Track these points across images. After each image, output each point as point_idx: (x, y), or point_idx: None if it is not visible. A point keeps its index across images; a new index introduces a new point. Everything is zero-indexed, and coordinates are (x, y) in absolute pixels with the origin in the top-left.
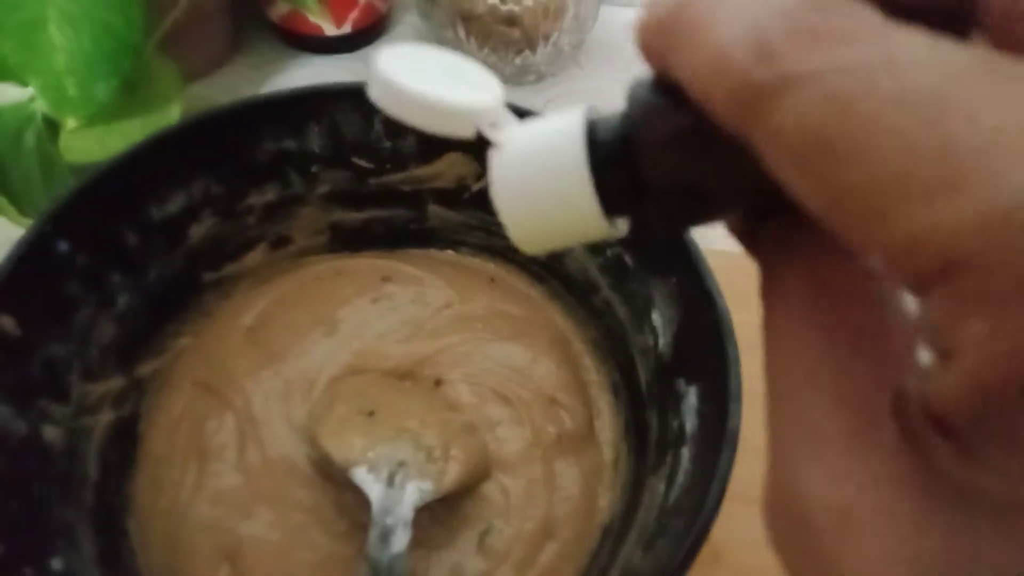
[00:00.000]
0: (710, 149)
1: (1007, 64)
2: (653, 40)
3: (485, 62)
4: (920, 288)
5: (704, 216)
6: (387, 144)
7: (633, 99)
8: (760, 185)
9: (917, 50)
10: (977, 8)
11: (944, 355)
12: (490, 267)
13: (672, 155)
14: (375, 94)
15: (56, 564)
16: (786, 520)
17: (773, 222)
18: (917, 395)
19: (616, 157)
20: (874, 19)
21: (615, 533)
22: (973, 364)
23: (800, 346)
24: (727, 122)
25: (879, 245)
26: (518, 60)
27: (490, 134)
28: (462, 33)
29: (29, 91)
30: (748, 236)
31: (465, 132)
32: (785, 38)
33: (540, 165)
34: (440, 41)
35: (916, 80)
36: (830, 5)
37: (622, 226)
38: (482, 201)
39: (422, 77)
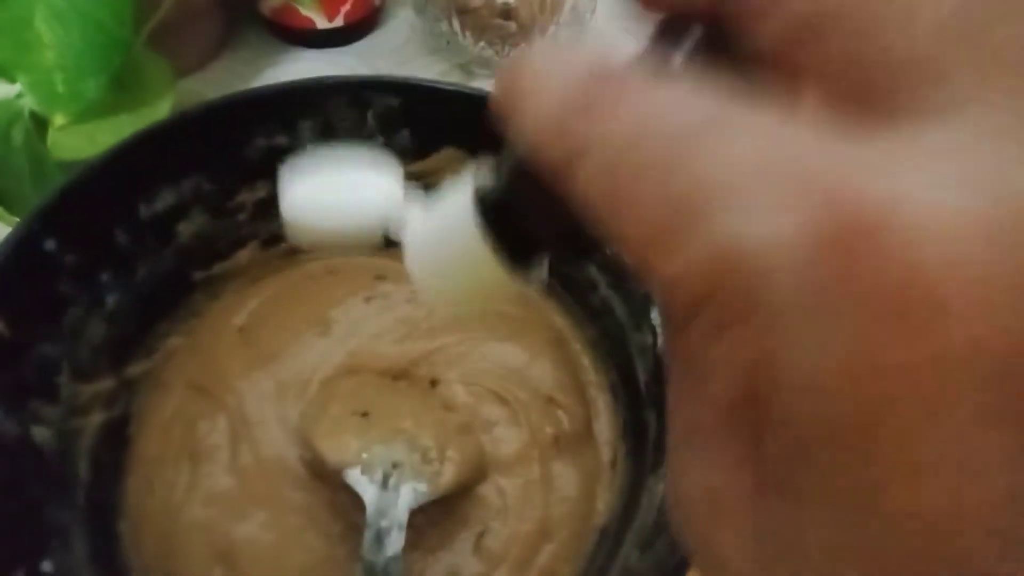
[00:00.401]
0: (555, 201)
1: (740, 113)
2: (496, 113)
3: (480, 56)
4: (684, 321)
5: (590, 251)
6: (381, 139)
7: (500, 163)
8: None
9: (666, 110)
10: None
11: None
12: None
13: (533, 209)
14: (288, 230)
15: (48, 566)
16: (678, 509)
17: None
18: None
19: (502, 216)
20: (636, 84)
21: (613, 534)
22: (723, 384)
23: (678, 357)
24: (552, 183)
25: (653, 286)
26: (514, 54)
27: (397, 233)
28: (457, 26)
29: (17, 88)
30: None
31: (374, 240)
32: (571, 115)
33: (446, 248)
34: (435, 34)
35: (657, 145)
36: (603, 76)
37: (539, 274)
38: None
39: (326, 205)
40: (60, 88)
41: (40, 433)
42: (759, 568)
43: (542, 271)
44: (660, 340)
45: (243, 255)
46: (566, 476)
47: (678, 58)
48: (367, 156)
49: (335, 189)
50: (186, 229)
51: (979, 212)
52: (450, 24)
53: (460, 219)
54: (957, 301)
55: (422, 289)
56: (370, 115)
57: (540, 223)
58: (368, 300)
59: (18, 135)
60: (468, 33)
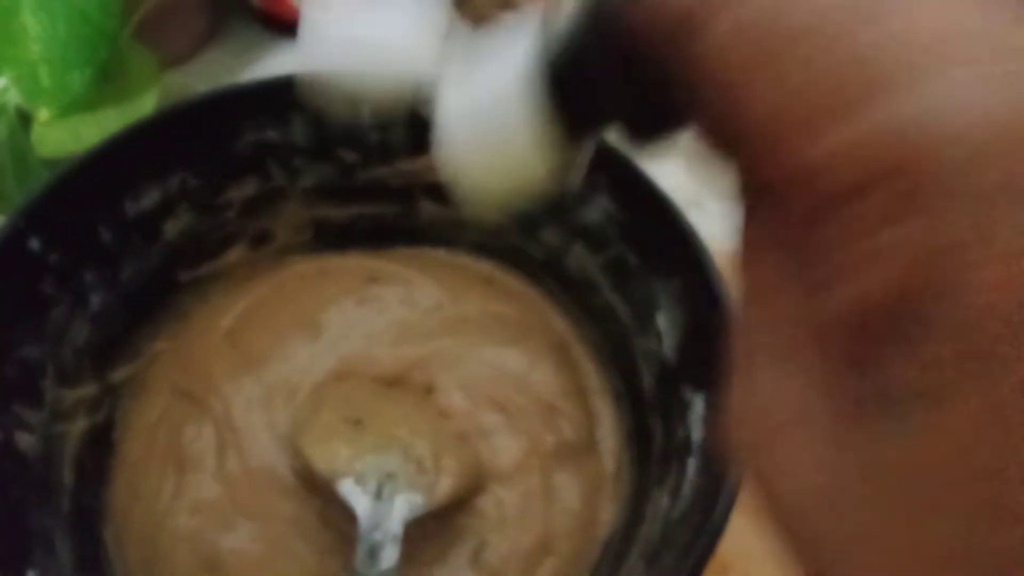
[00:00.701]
0: (644, 73)
1: None
2: None
3: None
4: (823, 212)
5: (663, 133)
6: (375, 135)
7: (574, 17)
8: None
9: None
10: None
11: (849, 271)
12: (484, 266)
13: (609, 73)
14: (312, 58)
15: (32, 574)
16: (744, 427)
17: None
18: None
19: (566, 82)
20: None
21: (617, 547)
22: (869, 285)
23: (761, 269)
24: (664, 40)
25: (774, 171)
26: None
27: (428, 97)
28: (455, 16)
29: (1, 82)
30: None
31: (400, 98)
32: None
33: (489, 116)
34: None
35: (826, 10)
36: None
37: (584, 162)
38: None
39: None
40: (45, 81)
41: (23, 439)
42: (829, 491)
43: (582, 168)
44: (666, 345)
45: (231, 255)
46: (568, 487)
47: None
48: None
49: (365, 24)
50: (172, 227)
51: None
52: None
53: (511, 77)
54: None
55: (450, 161)
56: (364, 110)
57: (612, 96)
58: (361, 302)
59: (2, 131)
60: (465, 23)
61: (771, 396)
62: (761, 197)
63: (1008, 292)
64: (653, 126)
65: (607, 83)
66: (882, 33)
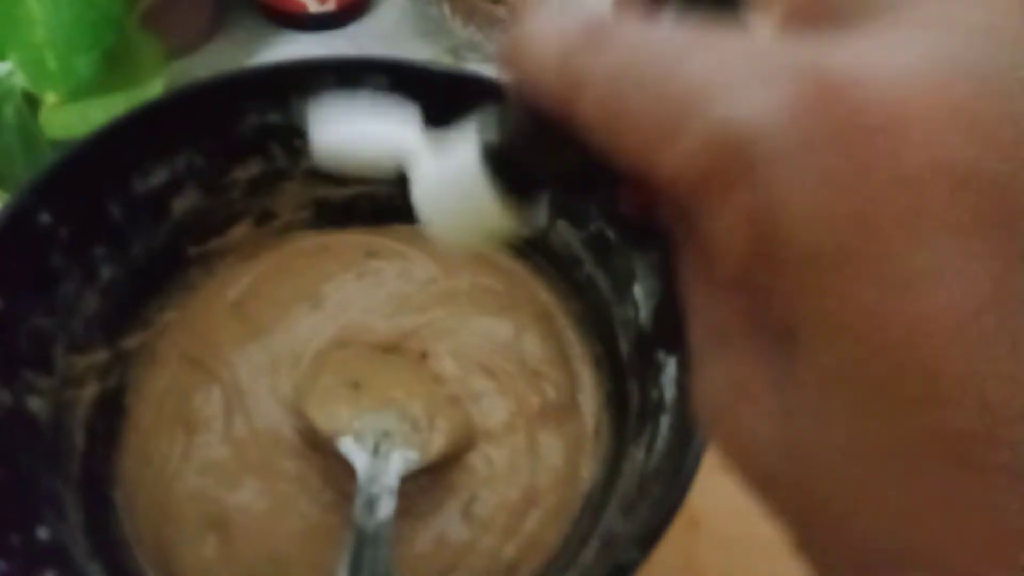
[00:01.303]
0: (555, 140)
1: (719, 33)
2: (503, 60)
3: (470, 40)
4: (693, 210)
5: (587, 188)
6: None
7: (502, 111)
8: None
9: (656, 38)
10: None
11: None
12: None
13: (534, 150)
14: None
15: (43, 533)
16: (704, 405)
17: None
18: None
19: (505, 161)
20: (627, 23)
21: (597, 500)
22: (735, 248)
23: (688, 275)
24: (554, 119)
25: (662, 193)
26: (503, 38)
27: (408, 171)
28: (447, 10)
29: (8, 65)
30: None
31: (389, 171)
32: (571, 53)
33: (451, 189)
34: (425, 18)
35: (650, 63)
36: (597, 20)
37: (539, 215)
38: None
39: (348, 135)
40: (52, 65)
41: (35, 403)
42: (784, 442)
43: (542, 213)
44: (642, 313)
45: (237, 231)
46: (551, 445)
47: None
48: (388, 101)
49: (358, 122)
50: (180, 205)
51: (931, 69)
52: (439, 8)
53: (465, 163)
54: (916, 129)
55: (428, 227)
56: (362, 95)
57: (541, 164)
58: (360, 276)
59: (10, 113)
60: (458, 17)
61: (719, 378)
62: (674, 223)
63: (807, 227)
64: (585, 186)
65: (533, 156)
66: (689, 72)
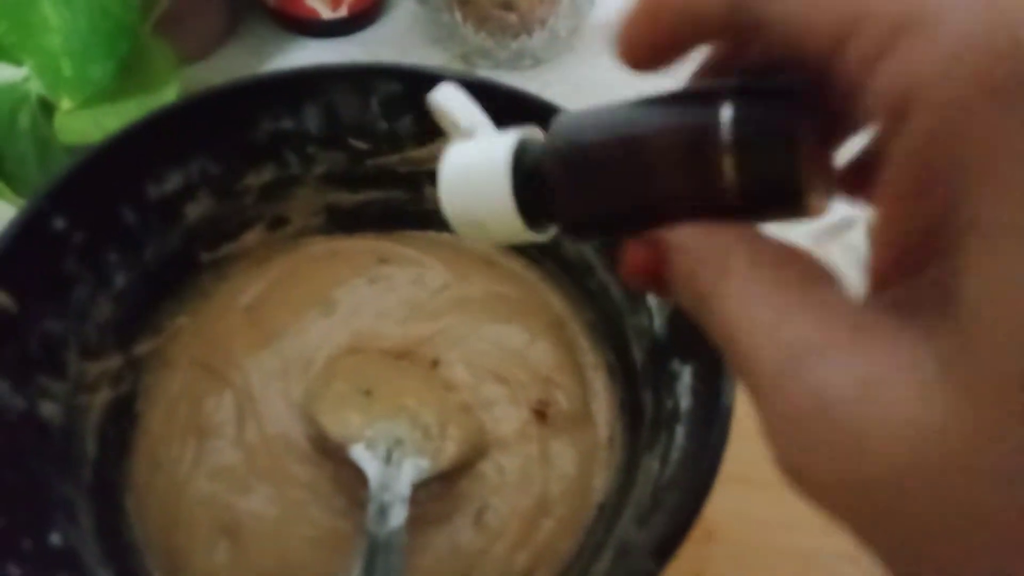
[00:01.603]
0: (605, 187)
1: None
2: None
3: (481, 46)
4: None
5: (608, 234)
6: (384, 125)
7: (551, 136)
8: (649, 214)
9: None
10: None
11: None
12: (487, 249)
13: (573, 195)
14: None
15: (55, 538)
16: (805, 417)
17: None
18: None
19: (532, 183)
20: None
21: (610, 510)
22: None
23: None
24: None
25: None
26: (514, 45)
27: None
28: (459, 17)
29: (24, 71)
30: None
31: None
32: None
33: (475, 183)
34: (436, 25)
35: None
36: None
37: (549, 232)
38: None
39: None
40: (67, 72)
41: (47, 408)
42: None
43: (552, 231)
44: (656, 321)
45: (249, 237)
46: (564, 454)
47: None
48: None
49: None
50: (193, 211)
51: None
52: (451, 15)
53: (495, 164)
54: None
55: (447, 215)
56: (374, 101)
57: (560, 209)
58: (372, 282)
59: (25, 119)
60: (469, 23)
61: (840, 378)
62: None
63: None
64: (591, 239)
65: (557, 198)
66: None
